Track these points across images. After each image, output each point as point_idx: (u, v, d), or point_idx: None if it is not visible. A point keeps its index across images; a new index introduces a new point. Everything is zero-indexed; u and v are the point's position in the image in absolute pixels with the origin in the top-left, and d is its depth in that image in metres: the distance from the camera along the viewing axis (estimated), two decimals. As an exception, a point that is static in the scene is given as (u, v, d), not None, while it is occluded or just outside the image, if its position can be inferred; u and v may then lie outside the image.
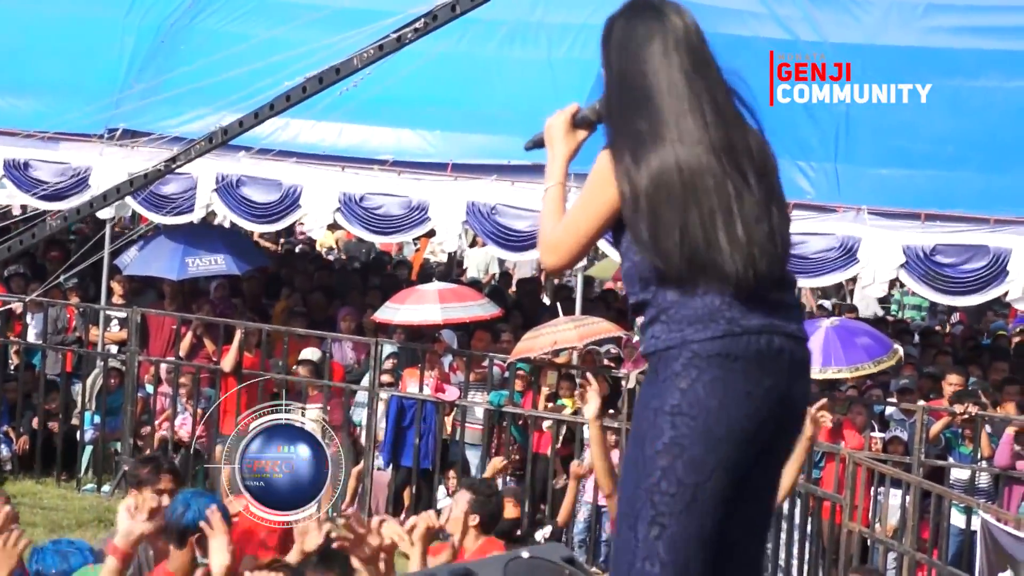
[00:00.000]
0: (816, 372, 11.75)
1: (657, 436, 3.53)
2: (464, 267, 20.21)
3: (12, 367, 14.10)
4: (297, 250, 21.00)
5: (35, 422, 13.78)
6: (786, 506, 10.93)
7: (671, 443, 3.52)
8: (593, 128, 3.81)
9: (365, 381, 13.07)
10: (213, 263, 14.45)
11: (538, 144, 3.91)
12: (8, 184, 14.64)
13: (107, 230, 14.51)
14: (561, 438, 12.58)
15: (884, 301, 20.29)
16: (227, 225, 15.46)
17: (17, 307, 14.07)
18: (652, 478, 3.53)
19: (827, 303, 19.06)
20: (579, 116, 3.81)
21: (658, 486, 3.52)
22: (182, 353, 13.48)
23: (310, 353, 13.23)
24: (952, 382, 12.24)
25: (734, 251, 3.54)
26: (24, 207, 15.58)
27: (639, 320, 3.71)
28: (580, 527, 12.38)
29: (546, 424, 12.58)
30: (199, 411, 13.34)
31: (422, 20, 10.64)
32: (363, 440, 13.04)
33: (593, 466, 12.11)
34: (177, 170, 12.51)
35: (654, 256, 3.56)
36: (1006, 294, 12.14)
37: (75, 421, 13.89)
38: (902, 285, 14.89)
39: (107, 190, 12.18)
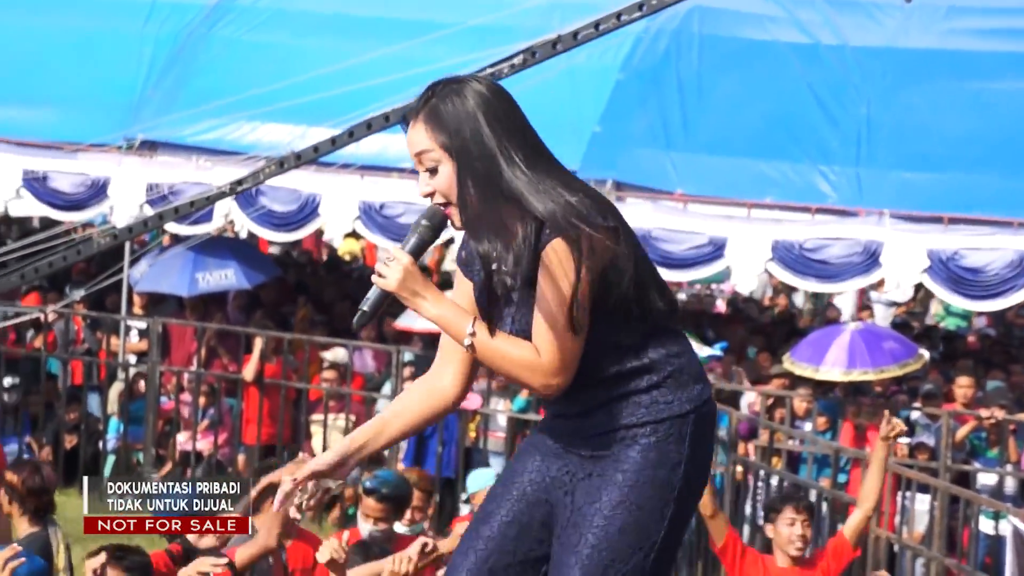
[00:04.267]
0: (841, 374, 11.70)
1: (668, 501, 3.36)
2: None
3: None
4: (326, 258, 21.01)
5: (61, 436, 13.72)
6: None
7: (677, 504, 3.37)
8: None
9: (386, 389, 13.01)
10: (223, 278, 14.35)
11: (375, 313, 3.41)
12: (26, 194, 14.62)
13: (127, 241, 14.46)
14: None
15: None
16: (244, 235, 15.40)
17: (46, 317, 13.98)
18: (653, 538, 3.36)
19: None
20: (416, 247, 3.49)
21: (659, 545, 3.36)
22: (200, 364, 13.44)
23: (334, 355, 13.15)
24: (962, 384, 12.17)
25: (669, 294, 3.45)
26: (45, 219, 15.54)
27: (608, 393, 3.33)
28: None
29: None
30: (221, 421, 13.32)
31: (520, 56, 10.16)
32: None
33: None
34: (198, 180, 12.44)
35: (645, 311, 3.32)
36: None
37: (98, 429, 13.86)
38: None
39: (164, 209, 11.92)
